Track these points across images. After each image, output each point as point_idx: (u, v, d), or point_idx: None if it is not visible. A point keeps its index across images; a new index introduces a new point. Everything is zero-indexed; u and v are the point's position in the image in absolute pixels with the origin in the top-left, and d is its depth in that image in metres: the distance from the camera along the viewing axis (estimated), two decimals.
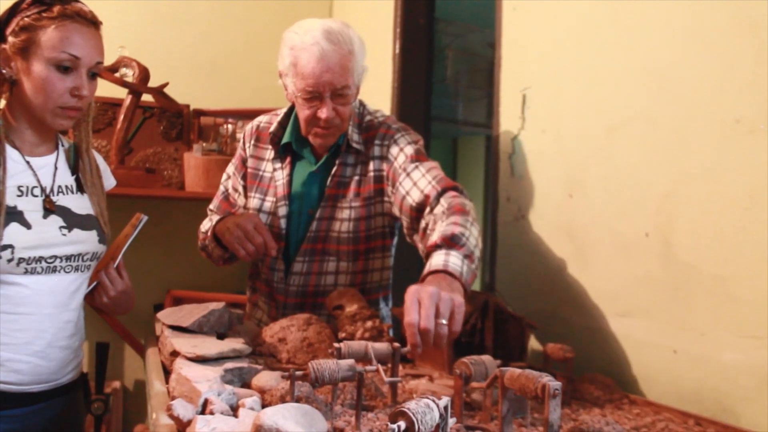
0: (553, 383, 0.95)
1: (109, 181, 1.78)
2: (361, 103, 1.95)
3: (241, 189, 2.01)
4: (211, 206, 2.06)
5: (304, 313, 1.81)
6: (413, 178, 1.71)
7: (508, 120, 2.09)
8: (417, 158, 1.75)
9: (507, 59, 2.13)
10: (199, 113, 3.23)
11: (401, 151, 1.78)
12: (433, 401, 0.86)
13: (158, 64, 2.88)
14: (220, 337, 1.52)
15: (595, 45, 1.79)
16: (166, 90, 2.85)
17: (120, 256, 1.67)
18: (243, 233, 1.73)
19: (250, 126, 2.02)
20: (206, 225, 1.98)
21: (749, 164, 1.39)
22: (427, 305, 1.22)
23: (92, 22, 1.56)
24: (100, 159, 1.75)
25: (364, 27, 3.29)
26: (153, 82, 2.78)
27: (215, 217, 1.94)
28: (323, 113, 1.72)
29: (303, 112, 1.77)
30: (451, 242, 1.43)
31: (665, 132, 1.58)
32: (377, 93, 2.96)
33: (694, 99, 1.52)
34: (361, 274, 1.90)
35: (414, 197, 1.68)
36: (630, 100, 1.68)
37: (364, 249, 1.88)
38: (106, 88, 2.81)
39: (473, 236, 1.49)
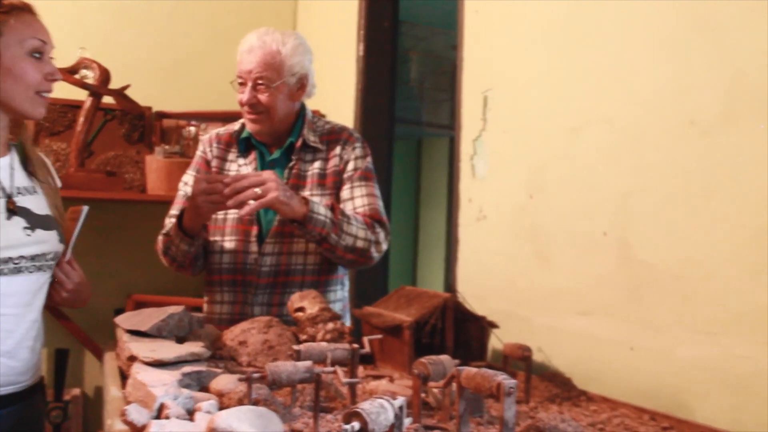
0: (508, 381, 0.96)
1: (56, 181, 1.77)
2: (320, 116, 2.19)
3: None
4: (173, 210, 2.05)
5: (276, 292, 1.95)
6: (354, 193, 2.00)
7: (469, 121, 2.11)
8: (365, 175, 2.03)
9: (468, 61, 2.14)
10: (162, 115, 3.19)
11: (355, 161, 2.03)
12: (388, 401, 0.86)
13: (119, 65, 2.85)
14: (180, 341, 1.50)
15: (556, 48, 1.82)
16: (127, 92, 2.82)
17: (70, 251, 1.66)
18: (204, 194, 1.77)
19: (208, 136, 2.17)
20: (167, 227, 1.99)
21: (703, 165, 1.42)
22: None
23: (35, 13, 1.61)
24: (46, 159, 1.75)
25: (328, 29, 3.29)
26: (114, 84, 2.75)
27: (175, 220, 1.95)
28: (244, 98, 1.96)
29: (237, 98, 2.00)
30: (334, 207, 1.85)
31: (623, 133, 1.61)
32: (341, 95, 2.96)
33: (650, 101, 1.54)
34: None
35: (346, 207, 1.97)
36: (589, 103, 1.70)
37: None
38: (65, 90, 2.77)
39: (352, 225, 1.87)
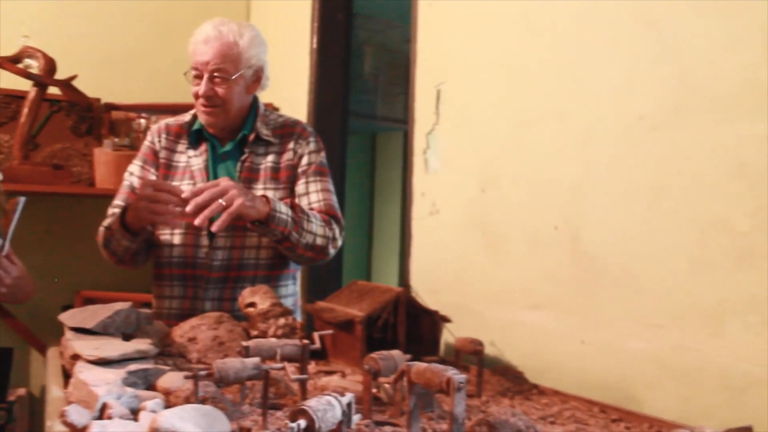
0: (458, 377, 0.95)
1: None
2: (273, 108, 2.14)
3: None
4: (117, 201, 2.00)
5: (227, 287, 1.92)
6: (309, 189, 1.99)
7: (423, 115, 2.10)
8: (320, 170, 2.01)
9: (422, 55, 2.14)
10: (111, 107, 3.11)
11: (309, 155, 2.02)
12: (336, 398, 0.84)
13: (66, 55, 2.78)
14: (127, 338, 1.46)
15: (508, 42, 1.82)
16: (74, 82, 2.74)
17: (7, 244, 1.60)
18: (147, 201, 1.72)
19: (157, 126, 2.12)
20: (109, 220, 1.93)
21: (652, 159, 1.44)
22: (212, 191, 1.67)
23: None
24: None
25: (282, 21, 3.25)
26: (61, 74, 2.67)
27: (118, 211, 1.90)
28: (200, 90, 1.90)
29: (191, 89, 1.95)
30: (294, 205, 1.83)
31: (574, 128, 1.62)
32: (294, 88, 2.93)
33: (601, 96, 1.56)
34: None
35: (301, 203, 1.95)
36: (541, 97, 1.71)
37: None
38: (8, 80, 2.68)
39: (312, 223, 1.85)
